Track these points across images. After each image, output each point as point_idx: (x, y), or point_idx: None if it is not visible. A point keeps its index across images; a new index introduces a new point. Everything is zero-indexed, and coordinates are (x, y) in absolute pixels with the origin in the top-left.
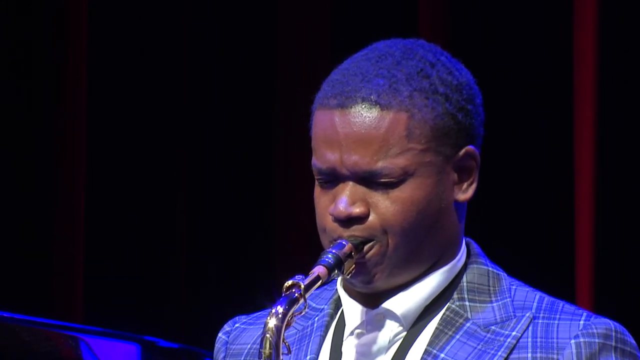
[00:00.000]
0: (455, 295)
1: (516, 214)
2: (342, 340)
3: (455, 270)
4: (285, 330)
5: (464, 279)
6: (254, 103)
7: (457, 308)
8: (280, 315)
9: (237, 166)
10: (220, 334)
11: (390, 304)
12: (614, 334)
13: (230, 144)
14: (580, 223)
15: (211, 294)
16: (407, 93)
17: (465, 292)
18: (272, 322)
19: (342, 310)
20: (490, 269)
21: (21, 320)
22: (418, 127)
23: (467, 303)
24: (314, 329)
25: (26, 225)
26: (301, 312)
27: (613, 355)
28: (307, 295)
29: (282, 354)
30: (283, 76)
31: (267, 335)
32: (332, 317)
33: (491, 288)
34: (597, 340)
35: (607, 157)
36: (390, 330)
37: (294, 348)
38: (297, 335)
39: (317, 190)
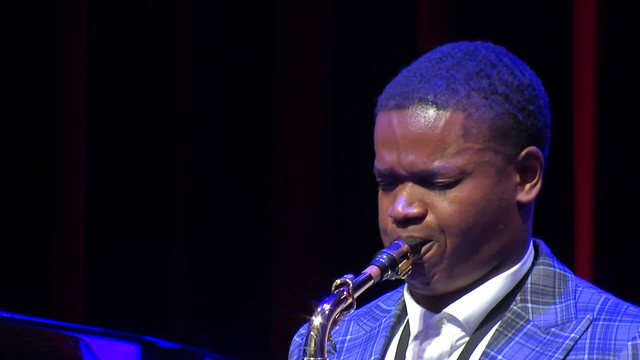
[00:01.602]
0: (518, 297)
1: None
2: (407, 344)
3: (520, 274)
4: (331, 328)
5: (529, 280)
6: (254, 103)
7: (519, 310)
8: (326, 313)
9: (237, 166)
10: (295, 337)
11: (452, 309)
12: None
13: (230, 144)
14: (580, 223)
15: (211, 293)
16: (465, 93)
17: (529, 294)
18: (317, 320)
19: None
20: (557, 270)
21: (21, 320)
22: (475, 126)
23: (529, 305)
24: (380, 329)
25: (26, 225)
26: (349, 311)
27: None
28: (355, 295)
29: (328, 352)
30: (283, 76)
31: (312, 334)
32: (399, 319)
33: (556, 289)
34: None
35: (607, 157)
36: (453, 335)
37: (360, 349)
38: (365, 336)
39: (380, 193)
